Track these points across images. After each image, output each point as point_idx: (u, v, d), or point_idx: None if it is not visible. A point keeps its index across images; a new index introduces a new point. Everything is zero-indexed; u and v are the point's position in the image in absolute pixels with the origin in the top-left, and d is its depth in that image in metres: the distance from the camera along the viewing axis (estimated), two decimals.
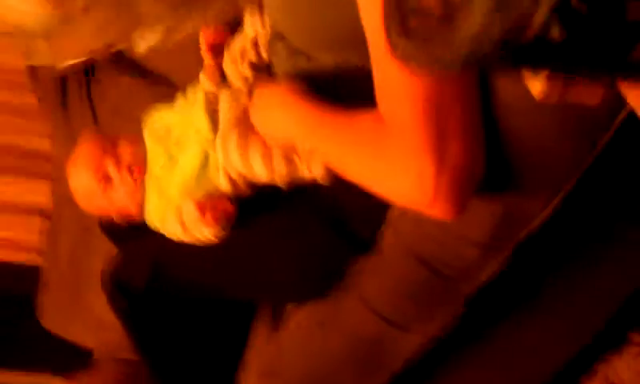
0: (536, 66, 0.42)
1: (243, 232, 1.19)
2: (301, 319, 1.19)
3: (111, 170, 1.24)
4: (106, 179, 1.24)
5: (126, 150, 1.24)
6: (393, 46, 0.42)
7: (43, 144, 1.96)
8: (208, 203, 1.14)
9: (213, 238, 1.17)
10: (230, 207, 1.15)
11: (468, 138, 0.77)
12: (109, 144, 1.26)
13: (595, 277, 1.06)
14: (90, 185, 1.26)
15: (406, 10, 0.40)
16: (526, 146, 0.82)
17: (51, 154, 1.87)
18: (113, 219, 1.31)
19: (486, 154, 0.80)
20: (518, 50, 0.40)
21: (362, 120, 0.85)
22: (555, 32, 0.39)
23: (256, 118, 1.09)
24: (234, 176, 1.15)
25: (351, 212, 1.13)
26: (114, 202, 1.25)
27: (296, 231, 1.17)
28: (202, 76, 1.22)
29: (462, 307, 1.02)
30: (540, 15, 0.38)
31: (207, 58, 1.20)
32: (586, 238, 1.00)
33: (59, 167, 1.77)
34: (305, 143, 1.02)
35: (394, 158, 0.78)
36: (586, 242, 1.01)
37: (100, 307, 1.44)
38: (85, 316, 1.69)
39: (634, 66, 0.42)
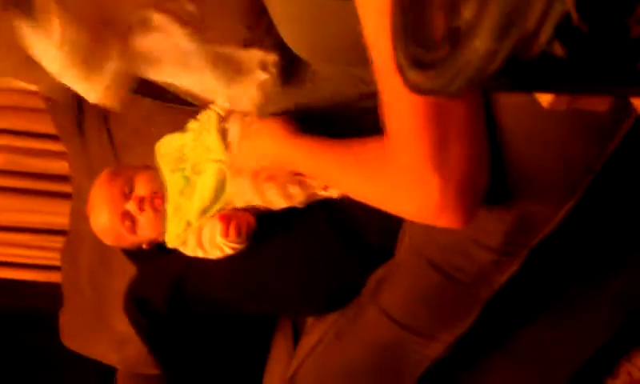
0: (540, 84, 0.43)
1: (260, 247, 1.20)
2: (320, 332, 1.20)
3: (131, 208, 1.25)
4: (130, 219, 1.26)
5: (144, 184, 1.26)
6: (404, 79, 0.44)
7: (61, 165, 1.99)
8: (232, 214, 1.16)
9: (231, 251, 1.18)
10: (251, 219, 1.17)
11: (470, 146, 0.78)
12: (126, 181, 1.27)
13: (613, 279, 1.07)
14: (115, 226, 1.27)
15: (416, 43, 0.42)
16: (535, 151, 0.82)
17: (69, 175, 1.89)
18: (139, 248, 1.33)
19: (490, 160, 0.81)
20: (521, 69, 0.41)
21: (360, 145, 0.88)
22: (558, 50, 0.40)
23: (243, 154, 1.12)
24: None
25: (367, 223, 1.14)
26: (140, 236, 1.28)
27: (313, 245, 1.19)
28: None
29: (481, 311, 1.02)
30: (544, 34, 0.39)
31: None
32: (604, 242, 1.00)
33: (77, 189, 1.79)
34: (307, 172, 1.04)
35: (398, 175, 0.79)
36: (603, 246, 1.01)
37: (121, 323, 1.45)
38: (106, 333, 1.71)
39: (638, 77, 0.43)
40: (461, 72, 0.40)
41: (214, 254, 1.20)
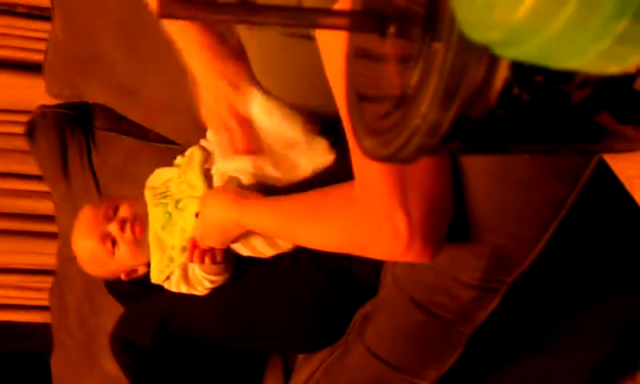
0: (492, 146, 0.43)
1: (247, 284, 1.20)
2: (309, 370, 1.19)
3: (113, 229, 1.26)
4: (110, 240, 1.27)
5: (127, 207, 1.28)
6: (359, 145, 0.44)
7: (49, 206, 1.99)
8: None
9: (211, 285, 1.18)
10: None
11: (435, 183, 0.79)
12: (109, 207, 1.29)
13: (600, 308, 1.07)
14: (94, 248, 1.28)
15: (370, 110, 0.42)
16: (504, 191, 0.83)
17: (55, 215, 1.89)
18: (119, 279, 1.33)
19: (453, 194, 0.82)
20: (471, 132, 0.41)
21: (320, 193, 0.89)
22: (500, 112, 0.41)
23: (204, 234, 1.12)
24: None
25: (356, 259, 1.13)
26: (119, 261, 1.28)
27: (299, 282, 1.18)
28: (209, 133, 1.24)
29: (465, 346, 1.02)
30: (491, 97, 0.40)
31: None
32: (583, 276, 1.01)
33: (63, 232, 1.79)
34: (266, 232, 1.05)
35: (364, 215, 0.80)
36: (582, 279, 1.01)
37: (110, 365, 1.45)
38: (96, 374, 1.70)
39: (596, 131, 0.43)
40: (411, 138, 0.41)
41: (198, 289, 1.20)
